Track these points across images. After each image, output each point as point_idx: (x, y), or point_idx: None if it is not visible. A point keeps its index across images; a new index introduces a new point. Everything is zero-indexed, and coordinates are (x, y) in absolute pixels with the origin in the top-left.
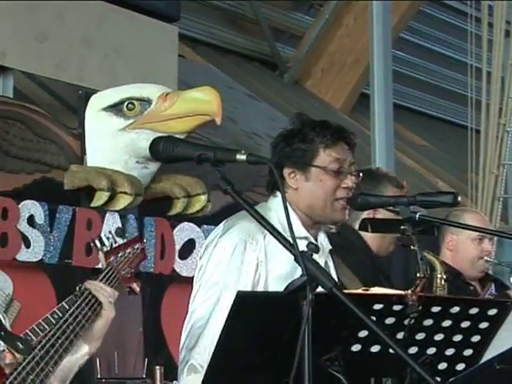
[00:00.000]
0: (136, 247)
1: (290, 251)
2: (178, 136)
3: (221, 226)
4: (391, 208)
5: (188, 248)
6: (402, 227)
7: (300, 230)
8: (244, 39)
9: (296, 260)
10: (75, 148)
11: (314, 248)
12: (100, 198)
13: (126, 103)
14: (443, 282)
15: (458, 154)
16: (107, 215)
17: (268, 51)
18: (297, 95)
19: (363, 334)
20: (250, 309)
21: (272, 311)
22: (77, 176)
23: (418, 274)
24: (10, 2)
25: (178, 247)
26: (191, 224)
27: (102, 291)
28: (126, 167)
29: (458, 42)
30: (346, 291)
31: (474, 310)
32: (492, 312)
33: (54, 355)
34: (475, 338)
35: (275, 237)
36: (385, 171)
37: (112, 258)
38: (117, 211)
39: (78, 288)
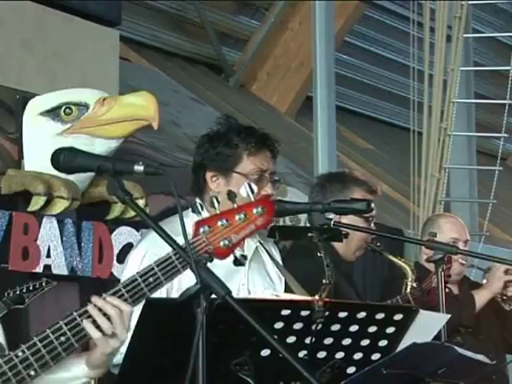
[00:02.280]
0: (253, 211)
1: (186, 260)
2: (115, 140)
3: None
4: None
5: (126, 252)
6: (310, 234)
7: None
8: (189, 42)
9: (190, 268)
10: (12, 152)
11: (208, 257)
12: (37, 203)
13: (63, 108)
14: (409, 289)
15: (401, 156)
16: (44, 219)
17: (213, 55)
18: (242, 99)
19: None
20: (157, 315)
21: (177, 317)
22: (14, 180)
23: (323, 281)
24: None
25: (116, 251)
26: (129, 228)
27: (100, 321)
28: None
29: (400, 46)
30: (251, 297)
31: (380, 316)
32: (398, 317)
33: (30, 365)
34: (382, 343)
35: (170, 245)
36: (355, 175)
37: (202, 230)
38: (54, 215)
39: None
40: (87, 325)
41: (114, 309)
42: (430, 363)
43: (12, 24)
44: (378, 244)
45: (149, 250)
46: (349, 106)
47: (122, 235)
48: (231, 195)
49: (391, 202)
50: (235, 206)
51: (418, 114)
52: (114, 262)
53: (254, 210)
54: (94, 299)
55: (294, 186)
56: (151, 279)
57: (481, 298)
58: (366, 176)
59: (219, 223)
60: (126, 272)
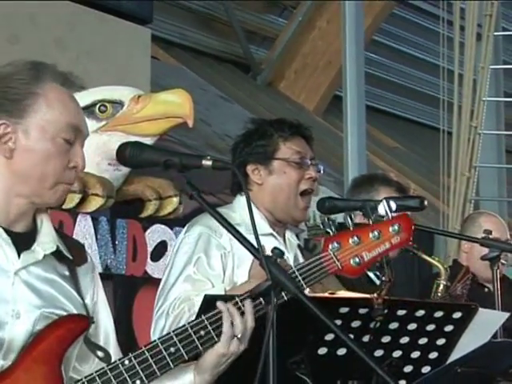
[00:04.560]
0: (389, 229)
1: (255, 256)
2: (149, 138)
3: (186, 226)
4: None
5: (160, 250)
6: None
7: (265, 227)
8: (217, 41)
9: (261, 265)
10: None
11: (279, 253)
12: (72, 200)
13: (98, 105)
14: (441, 288)
15: (429, 156)
16: (79, 217)
17: (241, 53)
18: (270, 97)
19: (329, 337)
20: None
21: None
22: None
23: (383, 278)
24: None
25: (149, 249)
26: (163, 226)
27: (237, 320)
28: (98, 169)
29: (430, 45)
30: (311, 295)
31: (438, 314)
32: (457, 315)
33: (136, 374)
34: (440, 341)
35: (240, 241)
36: (384, 175)
37: (331, 246)
38: (88, 213)
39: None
40: (225, 316)
41: (243, 321)
42: (502, 362)
43: (45, 23)
44: (411, 243)
45: (203, 232)
46: (377, 104)
47: (155, 233)
48: (367, 211)
49: None
50: (370, 222)
51: (448, 114)
52: (148, 260)
53: (391, 228)
54: (230, 304)
55: (324, 184)
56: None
57: None
58: (397, 177)
59: (350, 240)
60: (178, 255)
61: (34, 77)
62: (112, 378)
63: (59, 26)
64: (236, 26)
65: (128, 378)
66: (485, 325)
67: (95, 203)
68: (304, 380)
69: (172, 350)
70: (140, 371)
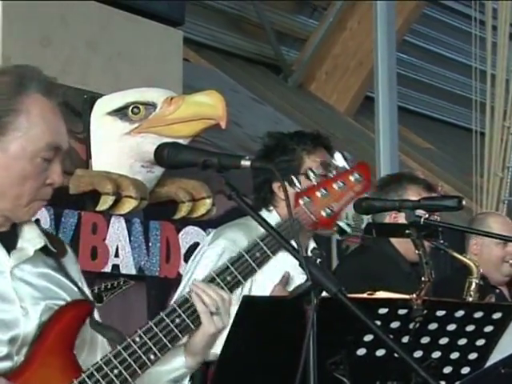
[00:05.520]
0: (351, 179)
1: (295, 256)
2: (182, 140)
3: (210, 235)
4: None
5: (193, 251)
6: (407, 231)
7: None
8: (248, 43)
9: (300, 265)
10: (80, 152)
11: (319, 253)
12: (105, 202)
13: (131, 107)
14: (473, 286)
15: (462, 156)
16: (112, 219)
17: (272, 55)
18: (301, 98)
19: (368, 338)
20: (255, 313)
21: (277, 316)
22: (82, 180)
23: (422, 278)
24: (15, 6)
25: (183, 251)
26: (196, 228)
27: (205, 298)
28: (131, 171)
29: (462, 45)
30: (350, 295)
31: (478, 314)
32: (497, 316)
33: (149, 349)
34: (480, 342)
35: (279, 241)
36: (412, 174)
37: (302, 201)
38: (122, 215)
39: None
40: (194, 297)
41: (216, 294)
42: None
43: (77, 25)
44: (442, 241)
45: (227, 247)
46: (409, 105)
47: (188, 235)
48: (326, 166)
49: None
50: (331, 176)
51: (480, 114)
52: (181, 261)
53: (352, 178)
54: (196, 282)
55: None
56: (244, 266)
57: None
58: (429, 177)
59: (318, 193)
60: (199, 267)
61: (16, 91)
62: (127, 356)
63: (91, 27)
64: (267, 28)
65: (142, 355)
66: None
67: (129, 205)
68: (342, 381)
69: (177, 321)
70: (152, 346)
